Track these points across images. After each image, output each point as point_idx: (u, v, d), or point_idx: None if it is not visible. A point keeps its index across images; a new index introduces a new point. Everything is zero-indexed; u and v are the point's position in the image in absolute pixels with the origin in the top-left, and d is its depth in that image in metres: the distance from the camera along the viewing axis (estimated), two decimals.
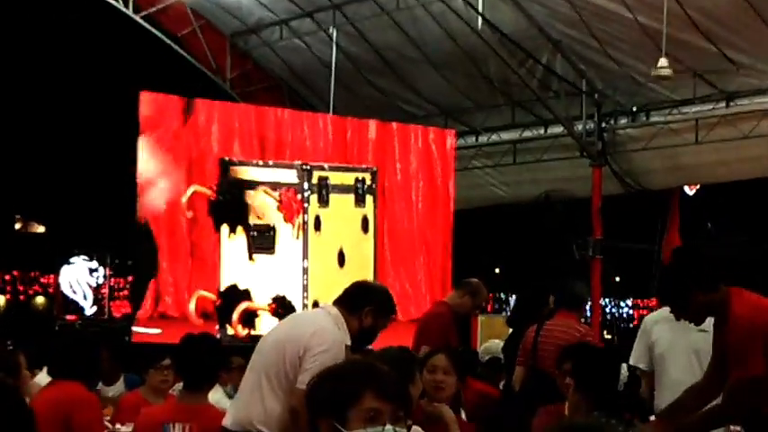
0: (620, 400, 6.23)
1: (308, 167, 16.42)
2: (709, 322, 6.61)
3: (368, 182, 16.83)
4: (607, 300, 44.24)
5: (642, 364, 7.66)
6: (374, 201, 16.93)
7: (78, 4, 23.98)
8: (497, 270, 43.93)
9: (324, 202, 16.37)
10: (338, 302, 6.85)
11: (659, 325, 7.53)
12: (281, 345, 6.66)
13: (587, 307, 17.86)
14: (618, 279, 40.42)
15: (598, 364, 6.46)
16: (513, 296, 34.77)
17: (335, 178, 16.57)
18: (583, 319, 12.26)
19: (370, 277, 15.64)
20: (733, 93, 17.53)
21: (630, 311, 49.04)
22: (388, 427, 3.64)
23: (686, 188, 20.51)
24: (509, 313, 11.70)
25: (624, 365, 6.41)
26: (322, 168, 16.58)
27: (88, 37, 32.87)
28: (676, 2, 15.83)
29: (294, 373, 6.49)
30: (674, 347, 7.41)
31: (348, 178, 16.73)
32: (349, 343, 6.56)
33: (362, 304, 6.74)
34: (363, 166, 17.13)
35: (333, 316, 6.70)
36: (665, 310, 6.88)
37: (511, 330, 11.28)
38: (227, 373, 10.19)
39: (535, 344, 9.25)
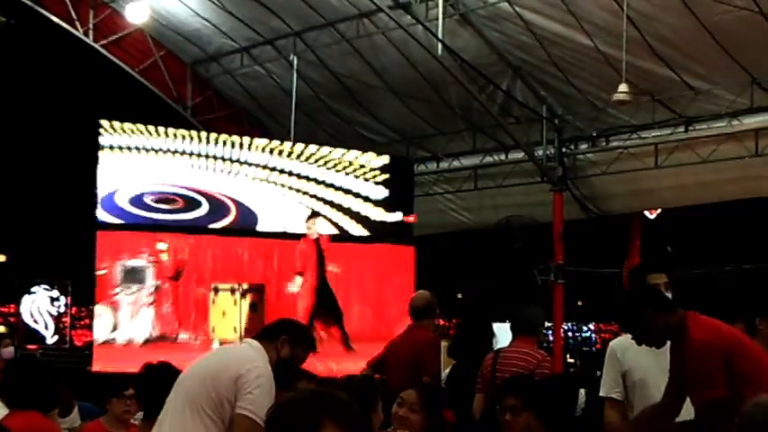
0: (578, 426, 6.24)
1: None
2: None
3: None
4: (569, 324, 44.37)
5: (615, 393, 7.44)
6: None
7: (37, 32, 23.87)
8: (459, 295, 43.98)
9: None
10: (257, 336, 6.87)
11: (630, 352, 7.36)
12: (211, 375, 6.58)
13: (550, 332, 17.91)
14: (580, 303, 40.56)
15: (551, 393, 6.48)
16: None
17: None
18: (545, 344, 12.28)
19: None
20: (692, 117, 17.66)
21: (593, 335, 49.22)
22: None
23: (647, 212, 20.61)
24: (449, 343, 11.61)
25: (582, 391, 6.42)
26: None
27: (48, 65, 32.74)
28: (635, 28, 15.95)
29: (229, 401, 6.44)
30: (652, 371, 7.29)
31: None
32: (271, 373, 6.51)
33: (278, 334, 6.74)
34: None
35: (254, 348, 6.69)
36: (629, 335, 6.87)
37: (453, 363, 11.26)
38: None
39: (493, 371, 9.24)
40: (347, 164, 18.15)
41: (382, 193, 18.23)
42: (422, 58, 18.20)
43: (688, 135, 17.78)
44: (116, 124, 16.51)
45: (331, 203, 17.96)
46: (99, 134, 16.32)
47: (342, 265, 17.88)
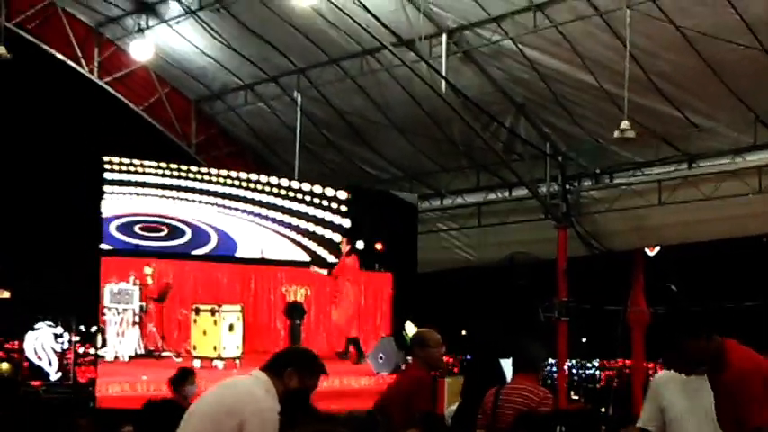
0: None
1: None
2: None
3: None
4: (573, 361, 44.22)
5: (652, 426, 7.46)
6: None
7: (43, 69, 23.95)
8: (463, 332, 43.86)
9: None
10: (264, 368, 6.72)
11: (669, 389, 7.33)
12: (217, 415, 6.53)
13: (553, 368, 17.87)
14: (584, 340, 40.44)
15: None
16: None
17: None
18: (549, 380, 12.27)
19: None
20: (695, 155, 17.68)
21: (597, 372, 49.02)
22: None
23: (647, 250, 20.57)
24: (462, 384, 11.53)
25: None
26: None
27: (53, 102, 32.83)
28: (637, 65, 16.01)
29: None
30: (687, 412, 7.26)
31: None
32: (278, 409, 6.38)
33: (284, 366, 6.60)
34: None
35: (262, 382, 6.56)
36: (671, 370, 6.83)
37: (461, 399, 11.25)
38: None
39: (495, 408, 9.23)
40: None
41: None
42: (425, 96, 18.26)
43: (691, 172, 17.80)
44: (121, 160, 17.21)
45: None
46: (103, 170, 16.94)
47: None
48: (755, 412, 6.25)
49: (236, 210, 18.70)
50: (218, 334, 17.61)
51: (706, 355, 6.42)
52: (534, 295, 19.84)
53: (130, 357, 17.34)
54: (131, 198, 17.73)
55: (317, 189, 18.96)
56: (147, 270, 17.57)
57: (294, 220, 19.02)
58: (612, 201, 19.03)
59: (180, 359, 17.14)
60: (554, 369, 18.65)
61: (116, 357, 17.34)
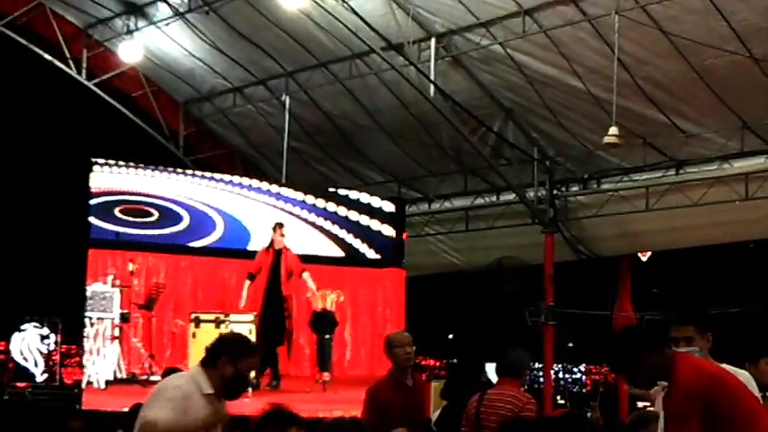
0: None
1: None
2: None
3: None
4: (560, 365, 44.27)
5: None
6: None
7: (31, 70, 23.89)
8: (450, 336, 43.90)
9: None
10: (201, 361, 6.96)
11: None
12: None
13: (540, 373, 17.86)
14: (570, 345, 40.48)
15: None
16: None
17: None
18: (535, 385, 12.26)
19: None
20: (682, 160, 17.72)
21: (583, 377, 49.11)
22: None
23: (640, 255, 20.59)
24: (443, 385, 11.48)
25: None
26: None
27: (40, 103, 32.74)
28: (626, 71, 16.02)
29: None
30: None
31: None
32: (208, 392, 6.69)
33: (218, 356, 6.84)
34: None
35: (190, 374, 6.87)
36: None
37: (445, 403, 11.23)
38: None
39: (478, 413, 9.24)
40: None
41: None
42: (414, 100, 18.25)
43: (678, 178, 17.84)
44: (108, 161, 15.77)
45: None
46: (91, 171, 15.31)
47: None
48: (688, 428, 6.20)
49: (249, 188, 15.71)
50: None
51: (659, 369, 6.40)
52: (521, 300, 19.85)
53: (108, 383, 14.23)
54: (110, 171, 14.74)
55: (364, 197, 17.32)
56: (131, 267, 14.59)
57: (329, 205, 16.10)
58: (600, 206, 19.06)
59: None
60: (540, 374, 18.61)
61: (89, 383, 14.25)
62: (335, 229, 16.82)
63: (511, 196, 19.61)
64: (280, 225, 16.04)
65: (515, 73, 17.50)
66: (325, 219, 16.90)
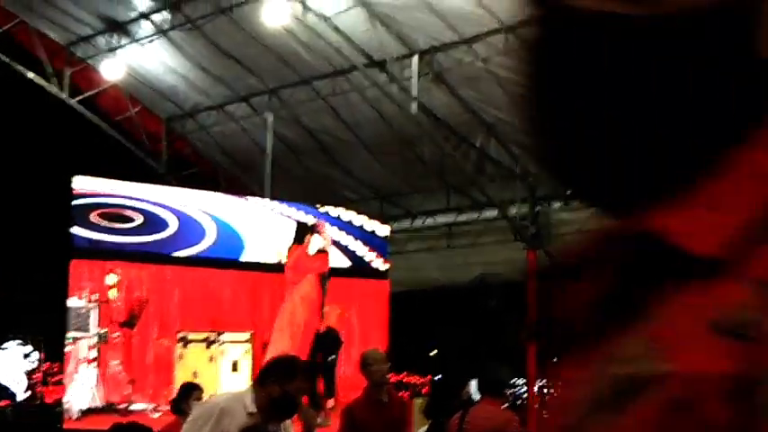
0: None
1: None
2: None
3: None
4: (544, 381, 44.29)
5: None
6: None
7: (12, 87, 23.85)
8: (432, 353, 43.80)
9: None
10: (254, 380, 7.31)
11: None
12: None
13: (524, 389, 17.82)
14: (555, 360, 40.47)
15: None
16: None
17: None
18: (518, 401, 12.25)
19: None
20: None
21: None
22: None
23: None
24: (425, 403, 11.48)
25: None
26: None
27: (21, 120, 32.67)
28: None
29: None
30: None
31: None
32: (251, 410, 6.77)
33: (268, 376, 6.99)
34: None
35: (241, 392, 7.07)
36: None
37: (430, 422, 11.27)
38: None
39: (460, 431, 9.27)
40: None
41: None
42: (396, 116, 18.28)
43: None
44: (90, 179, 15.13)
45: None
46: (72, 189, 14.39)
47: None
48: None
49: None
50: (215, 376, 12.95)
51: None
52: (504, 316, 19.84)
53: (82, 413, 12.75)
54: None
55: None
56: (111, 279, 13.19)
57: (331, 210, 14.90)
58: (583, 222, 19.06)
59: (157, 414, 12.35)
60: (524, 390, 18.60)
61: (66, 411, 12.78)
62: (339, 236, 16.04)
63: (493, 213, 19.62)
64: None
65: (497, 88, 17.53)
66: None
